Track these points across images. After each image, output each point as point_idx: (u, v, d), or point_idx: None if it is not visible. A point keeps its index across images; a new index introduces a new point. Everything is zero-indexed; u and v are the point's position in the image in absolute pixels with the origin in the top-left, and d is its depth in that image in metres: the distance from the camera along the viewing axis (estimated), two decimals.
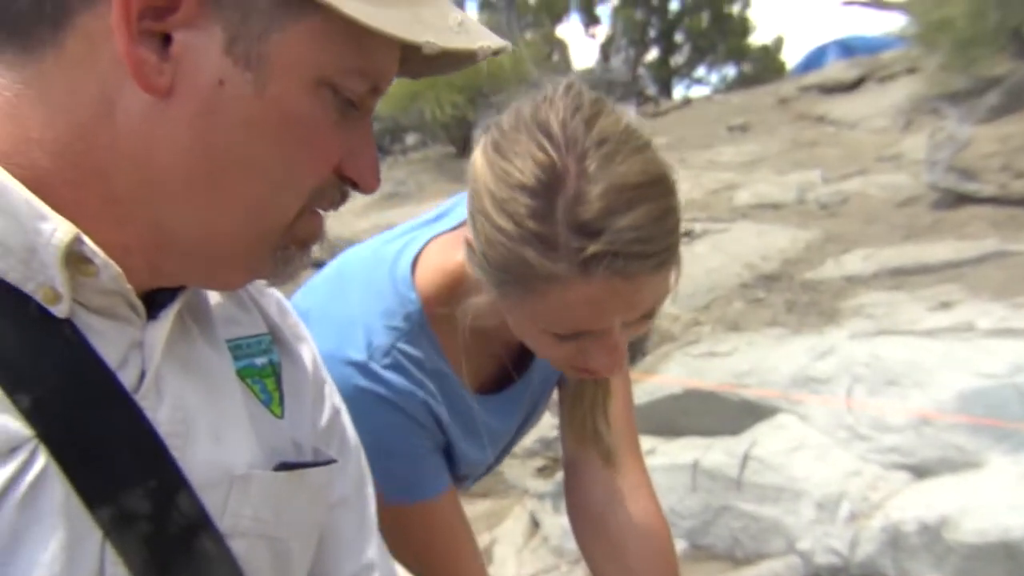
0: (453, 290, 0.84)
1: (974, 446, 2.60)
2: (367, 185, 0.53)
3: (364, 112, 0.52)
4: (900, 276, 3.97)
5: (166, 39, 0.45)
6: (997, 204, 4.73)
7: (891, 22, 9.82)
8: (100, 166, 0.46)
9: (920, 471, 2.65)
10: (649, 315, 0.76)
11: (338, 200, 0.54)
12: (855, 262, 4.22)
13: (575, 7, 18.17)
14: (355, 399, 0.78)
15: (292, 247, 0.52)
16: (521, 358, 0.96)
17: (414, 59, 0.50)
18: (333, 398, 0.69)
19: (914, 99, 7.15)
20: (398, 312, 0.84)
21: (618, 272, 0.68)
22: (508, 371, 0.96)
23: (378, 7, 0.46)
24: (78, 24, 0.45)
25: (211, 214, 0.48)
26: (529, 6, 17.23)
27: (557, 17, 18.14)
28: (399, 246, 0.89)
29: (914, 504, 2.50)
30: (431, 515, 0.88)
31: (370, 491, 0.70)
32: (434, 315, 0.85)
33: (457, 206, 0.94)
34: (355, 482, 0.68)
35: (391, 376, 0.83)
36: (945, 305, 3.43)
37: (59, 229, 0.44)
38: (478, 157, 0.76)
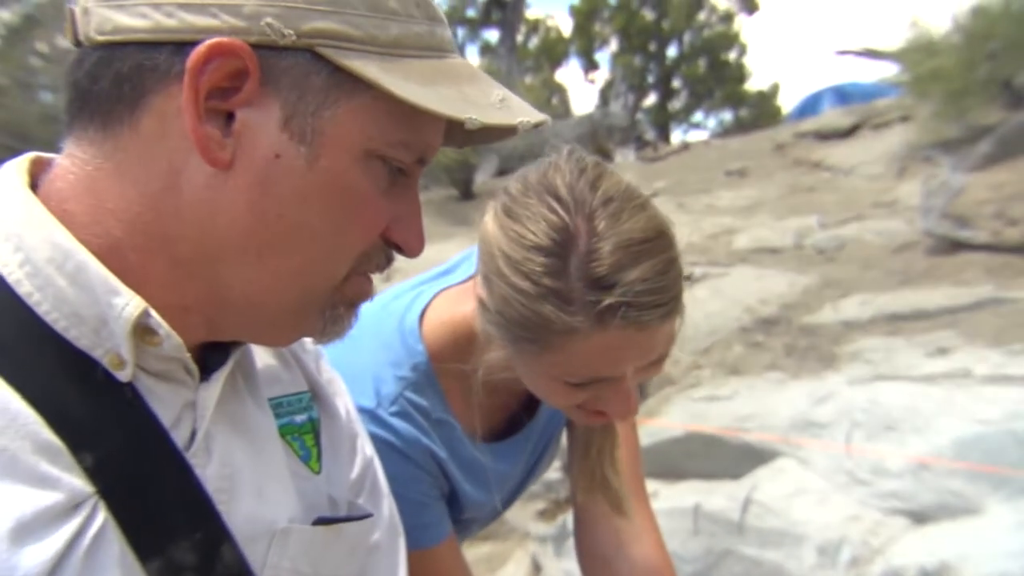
0: (459, 343, 0.88)
1: (972, 492, 2.63)
2: (411, 250, 0.56)
3: (411, 180, 0.55)
4: (897, 322, 4.02)
5: (229, 116, 0.48)
6: (991, 251, 4.80)
7: (884, 70, 10.01)
8: (166, 233, 0.50)
9: (919, 517, 2.67)
10: (659, 361, 0.79)
11: (383, 263, 0.57)
12: (852, 307, 4.28)
13: (575, 52, 18.50)
14: None
15: (340, 307, 0.55)
16: (528, 405, 0.99)
17: (458, 131, 0.53)
18: (365, 449, 0.72)
19: (908, 146, 7.28)
20: (406, 363, 0.88)
21: (632, 322, 0.71)
22: (515, 418, 0.99)
23: (425, 86, 0.50)
24: (152, 104, 0.48)
25: (264, 276, 0.51)
26: (529, 51, 17.53)
27: (557, 62, 18.46)
28: (408, 300, 0.93)
29: (915, 550, 2.52)
30: (432, 562, 0.89)
31: (401, 540, 0.72)
32: (440, 367, 0.89)
33: (464, 261, 0.98)
34: (388, 529, 0.71)
35: (398, 423, 0.86)
36: (942, 351, 3.47)
37: (130, 304, 0.48)
38: (489, 222, 0.79)
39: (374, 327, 0.90)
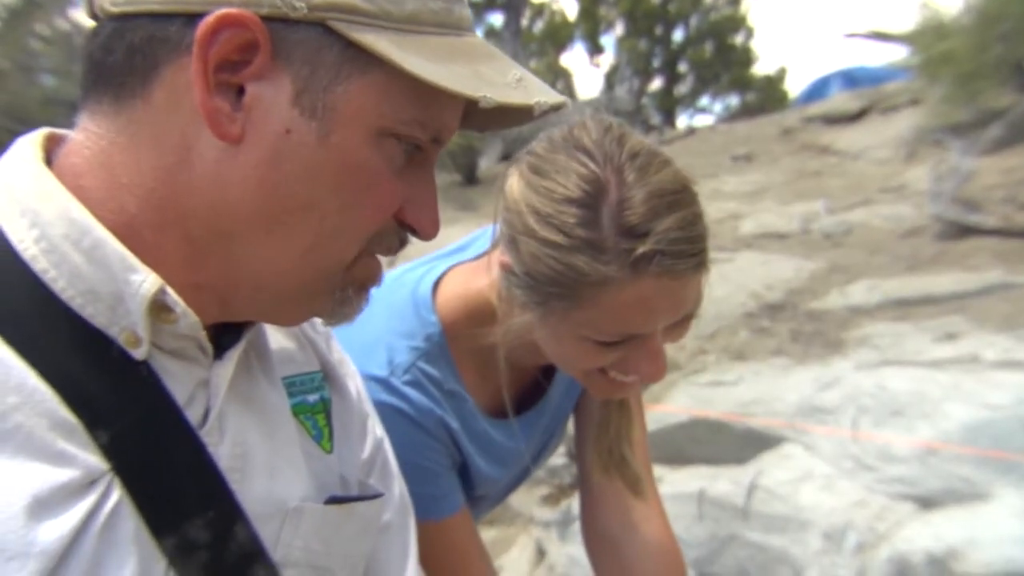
0: (472, 315, 0.87)
1: (980, 477, 2.61)
2: (425, 232, 0.55)
3: (427, 160, 0.54)
4: (904, 307, 3.99)
5: (240, 90, 0.48)
6: (1001, 236, 4.76)
7: (893, 53, 9.93)
8: (179, 209, 0.49)
9: (926, 502, 2.65)
10: (687, 319, 0.79)
11: (396, 246, 0.56)
12: (859, 292, 4.25)
13: (580, 36, 18.39)
14: (378, 413, 0.81)
15: (350, 289, 0.55)
16: (536, 387, 0.98)
17: (477, 113, 0.53)
18: (376, 430, 0.71)
19: (917, 130, 7.22)
20: (419, 333, 0.87)
21: (666, 270, 0.71)
22: (525, 397, 0.98)
23: (439, 63, 0.49)
24: (164, 76, 0.48)
25: (274, 253, 0.51)
26: (534, 35, 17.44)
27: (562, 46, 18.36)
28: (421, 272, 0.92)
29: (921, 535, 2.51)
30: (446, 534, 0.89)
31: (411, 520, 0.73)
32: (453, 338, 0.88)
33: (477, 239, 0.97)
34: (398, 509, 0.71)
35: (411, 392, 0.85)
36: (950, 336, 3.45)
37: (147, 281, 0.48)
38: (514, 183, 0.79)
39: (387, 297, 0.89)
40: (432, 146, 0.53)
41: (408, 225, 0.55)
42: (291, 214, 0.49)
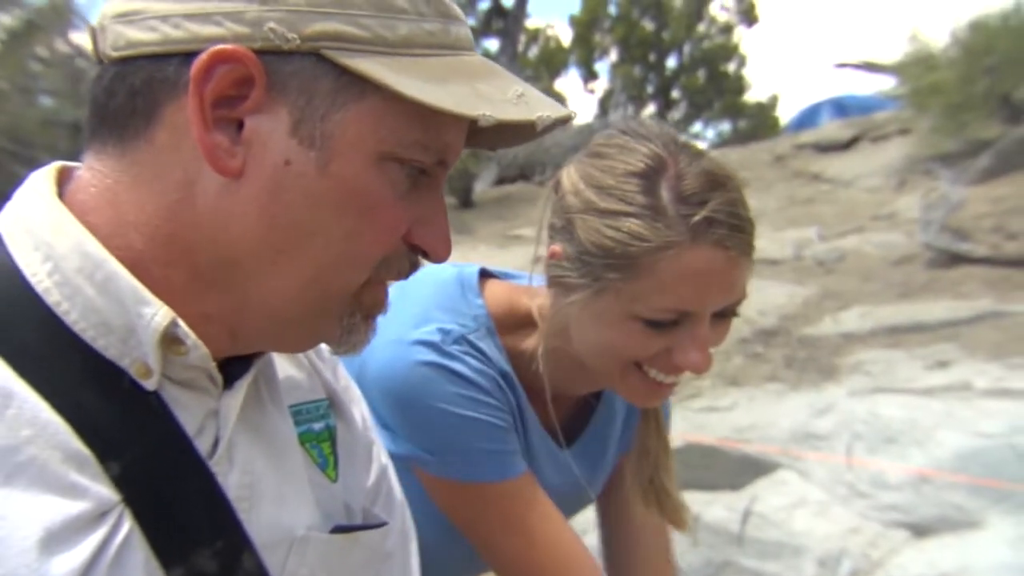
0: (515, 315, 0.86)
1: (972, 506, 2.63)
2: (437, 254, 0.55)
3: (434, 182, 0.54)
4: (897, 334, 4.03)
5: (239, 125, 0.48)
6: (990, 264, 4.82)
7: (883, 83, 10.07)
8: (185, 244, 0.50)
9: (919, 530, 2.67)
10: (731, 312, 0.80)
11: (407, 269, 0.56)
12: (852, 319, 4.29)
13: (574, 62, 18.56)
14: (422, 375, 0.80)
15: (357, 316, 0.55)
16: (584, 418, 0.96)
17: (482, 131, 0.51)
18: (380, 457, 0.71)
19: (907, 159, 7.31)
20: (466, 313, 0.85)
21: (720, 241, 0.74)
22: (573, 428, 0.95)
23: (435, 84, 0.48)
24: (165, 116, 0.48)
25: (280, 283, 0.50)
26: (529, 61, 17.59)
27: (556, 72, 18.51)
28: (460, 265, 0.90)
29: (914, 563, 2.52)
30: (520, 493, 0.83)
31: (414, 546, 0.72)
32: (500, 329, 0.86)
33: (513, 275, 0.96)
34: (400, 537, 0.70)
35: (466, 358, 0.82)
36: (942, 364, 3.48)
37: (159, 314, 0.48)
38: (570, 173, 0.82)
39: (427, 277, 0.87)
40: (438, 168, 0.53)
41: (418, 247, 0.55)
42: (295, 243, 0.50)
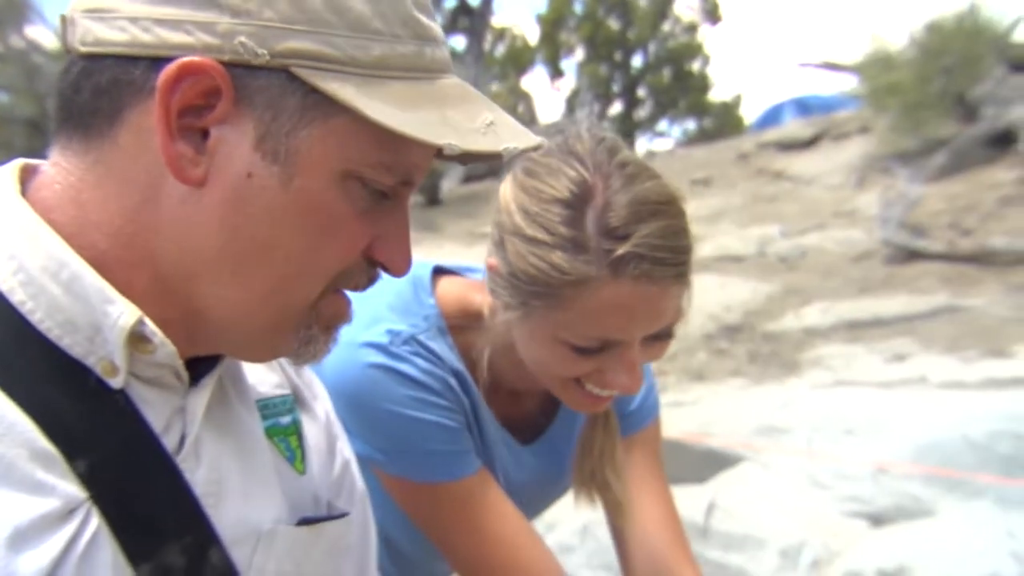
0: (467, 314, 0.86)
1: (928, 495, 2.70)
2: (397, 269, 0.55)
3: (397, 201, 0.54)
4: (856, 329, 4.11)
5: (204, 134, 0.48)
6: (946, 260, 4.94)
7: (844, 82, 10.25)
8: (147, 248, 0.50)
9: (877, 519, 2.73)
10: (665, 335, 0.79)
11: (365, 282, 0.56)
12: (814, 315, 4.37)
13: (541, 60, 18.62)
14: (370, 378, 0.80)
15: (315, 327, 0.55)
16: (546, 415, 0.95)
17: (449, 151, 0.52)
18: (344, 451, 0.72)
19: (867, 157, 7.45)
20: (417, 313, 0.85)
21: (645, 275, 0.72)
22: (535, 424, 0.94)
23: (404, 110, 0.49)
24: (129, 119, 0.48)
25: (237, 293, 0.51)
26: (496, 59, 17.60)
27: (523, 70, 18.55)
28: (418, 263, 0.88)
29: (873, 552, 2.58)
30: (472, 492, 0.83)
31: (372, 539, 0.73)
32: (452, 327, 0.86)
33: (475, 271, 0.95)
34: (360, 530, 0.71)
35: (412, 357, 0.83)
36: (899, 358, 3.56)
37: (125, 313, 0.48)
38: (507, 186, 0.80)
39: (388, 280, 0.87)
40: (402, 188, 0.54)
41: (378, 262, 0.55)
42: (253, 256, 0.50)
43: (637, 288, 0.72)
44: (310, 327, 0.54)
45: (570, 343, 0.76)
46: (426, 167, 0.55)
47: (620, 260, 0.72)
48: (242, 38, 0.47)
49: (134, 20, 0.47)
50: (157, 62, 0.47)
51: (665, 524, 0.97)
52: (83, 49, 0.49)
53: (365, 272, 0.55)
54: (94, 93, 0.49)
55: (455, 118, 0.51)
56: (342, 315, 0.56)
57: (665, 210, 0.74)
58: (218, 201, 0.48)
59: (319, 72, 0.48)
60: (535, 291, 0.75)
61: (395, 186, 0.53)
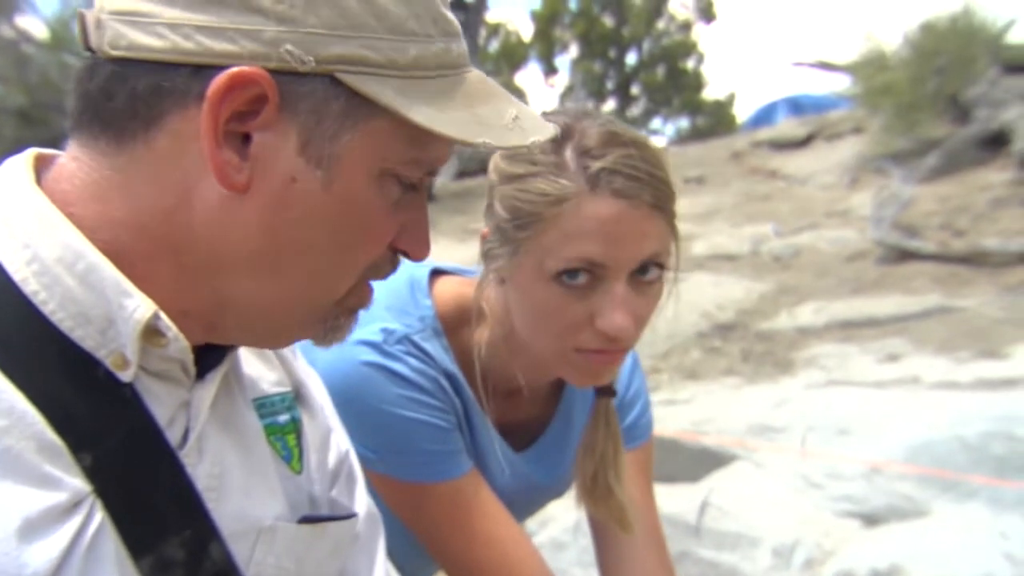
0: (463, 313, 0.87)
1: (921, 496, 2.71)
2: (418, 256, 0.57)
3: (421, 191, 0.56)
4: (849, 328, 4.12)
5: (246, 137, 0.48)
6: (938, 261, 4.96)
7: (838, 82, 10.30)
8: (175, 243, 0.50)
9: (871, 519, 2.74)
10: (653, 277, 0.79)
11: (389, 271, 0.58)
12: (807, 314, 4.38)
13: (535, 57, 18.61)
14: (363, 375, 0.81)
15: (341, 317, 0.56)
16: (546, 420, 0.95)
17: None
18: (340, 444, 0.72)
19: (860, 157, 7.48)
20: (413, 313, 0.87)
21: (620, 191, 0.75)
22: (533, 429, 0.95)
23: (440, 110, 0.50)
24: (168, 124, 0.48)
25: (269, 289, 0.52)
26: (489, 55, 17.58)
27: (516, 66, 18.55)
28: (414, 265, 0.91)
29: (866, 552, 2.58)
30: (462, 494, 0.84)
31: (380, 528, 0.73)
32: (448, 328, 0.87)
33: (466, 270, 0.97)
34: (367, 520, 0.71)
35: (405, 356, 0.84)
36: (892, 358, 3.57)
37: (141, 307, 0.49)
38: (495, 156, 0.84)
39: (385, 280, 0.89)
40: (426, 178, 0.55)
41: (401, 250, 0.57)
42: (290, 255, 0.51)
43: (614, 203, 0.75)
44: (337, 317, 0.56)
45: (556, 271, 0.77)
46: (447, 157, 0.56)
47: (597, 174, 0.76)
48: (288, 46, 0.47)
49: (174, 27, 0.47)
50: (199, 69, 0.47)
51: (651, 548, 0.96)
52: (114, 53, 0.48)
53: (390, 261, 0.57)
54: (129, 98, 0.48)
55: (485, 115, 0.53)
56: (365, 302, 0.58)
57: (642, 143, 0.78)
58: (260, 206, 0.49)
59: (361, 76, 0.49)
60: (520, 223, 0.78)
61: (421, 177, 0.54)
